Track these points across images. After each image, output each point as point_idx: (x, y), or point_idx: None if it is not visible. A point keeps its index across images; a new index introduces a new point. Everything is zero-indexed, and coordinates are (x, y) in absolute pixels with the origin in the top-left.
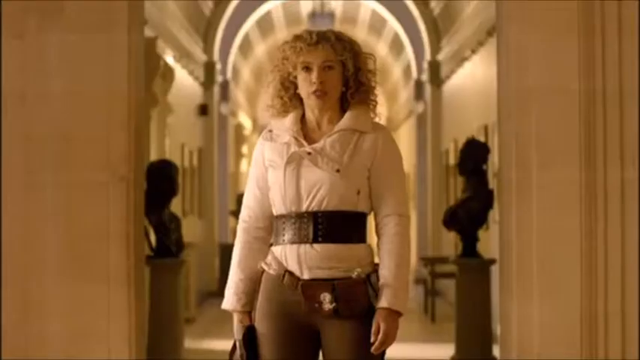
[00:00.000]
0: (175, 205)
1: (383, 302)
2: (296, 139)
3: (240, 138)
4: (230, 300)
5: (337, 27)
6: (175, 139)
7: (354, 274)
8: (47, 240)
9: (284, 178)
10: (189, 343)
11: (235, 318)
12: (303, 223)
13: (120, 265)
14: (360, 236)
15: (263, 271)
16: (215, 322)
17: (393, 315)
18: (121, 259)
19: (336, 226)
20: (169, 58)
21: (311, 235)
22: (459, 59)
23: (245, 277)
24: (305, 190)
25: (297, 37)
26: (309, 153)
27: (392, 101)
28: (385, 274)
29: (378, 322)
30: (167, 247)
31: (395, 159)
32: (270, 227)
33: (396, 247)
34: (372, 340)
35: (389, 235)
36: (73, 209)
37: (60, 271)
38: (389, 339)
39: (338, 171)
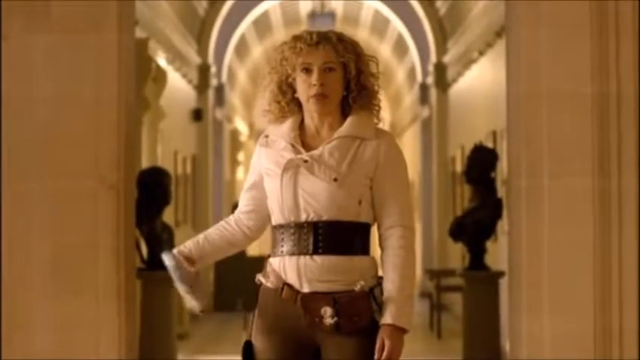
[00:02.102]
0: (168, 215)
1: (387, 318)
2: (293, 145)
3: (236, 144)
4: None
5: (338, 27)
6: (168, 146)
7: (357, 288)
8: (32, 251)
9: (281, 186)
10: None
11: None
12: (302, 233)
13: (110, 279)
14: (363, 248)
15: (260, 284)
16: (209, 338)
17: (398, 332)
18: (111, 271)
19: (338, 237)
20: (161, 61)
21: (311, 247)
22: (466, 61)
23: (201, 239)
24: (303, 200)
25: (297, 38)
26: (306, 161)
27: (396, 106)
28: (389, 287)
29: (383, 339)
30: (159, 258)
31: (399, 167)
32: (254, 238)
33: (401, 261)
34: (375, 357)
35: (393, 247)
36: (59, 219)
37: (46, 284)
38: (394, 357)
39: (335, 180)
